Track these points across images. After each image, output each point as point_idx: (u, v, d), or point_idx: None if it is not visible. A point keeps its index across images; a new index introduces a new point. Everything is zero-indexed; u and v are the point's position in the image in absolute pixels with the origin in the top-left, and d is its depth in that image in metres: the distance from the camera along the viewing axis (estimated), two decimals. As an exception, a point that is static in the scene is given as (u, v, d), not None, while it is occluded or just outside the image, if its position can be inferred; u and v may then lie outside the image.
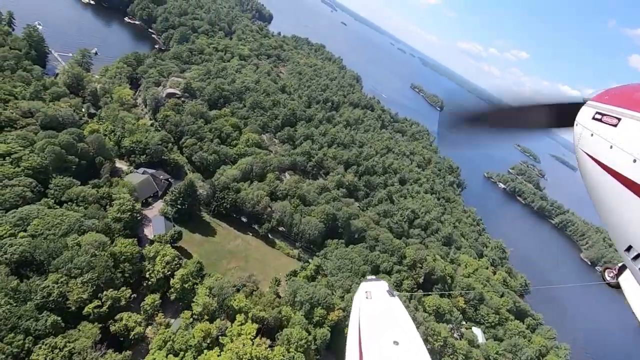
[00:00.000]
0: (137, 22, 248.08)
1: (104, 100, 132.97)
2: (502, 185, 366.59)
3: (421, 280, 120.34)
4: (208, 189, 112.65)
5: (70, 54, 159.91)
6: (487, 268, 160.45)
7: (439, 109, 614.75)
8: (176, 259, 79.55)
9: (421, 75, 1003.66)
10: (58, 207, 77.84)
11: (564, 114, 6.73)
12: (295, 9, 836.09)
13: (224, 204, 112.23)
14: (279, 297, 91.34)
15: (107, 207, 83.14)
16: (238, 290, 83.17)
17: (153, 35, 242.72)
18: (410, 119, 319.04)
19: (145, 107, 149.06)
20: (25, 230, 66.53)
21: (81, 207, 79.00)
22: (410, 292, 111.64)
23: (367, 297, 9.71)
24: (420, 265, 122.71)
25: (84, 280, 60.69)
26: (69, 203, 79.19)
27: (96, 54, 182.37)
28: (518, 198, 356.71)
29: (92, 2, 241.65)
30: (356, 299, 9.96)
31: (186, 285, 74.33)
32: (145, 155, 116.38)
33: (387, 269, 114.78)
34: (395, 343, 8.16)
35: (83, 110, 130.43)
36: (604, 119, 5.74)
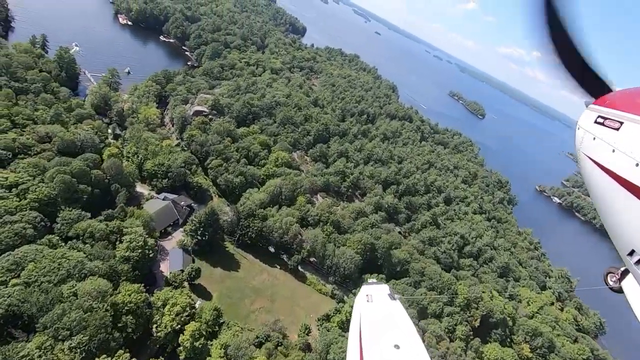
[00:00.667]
0: (171, 40, 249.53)
1: (130, 121, 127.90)
2: (557, 200, 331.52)
3: (477, 324, 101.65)
4: (232, 216, 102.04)
5: (103, 74, 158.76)
6: (552, 304, 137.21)
7: (480, 116, 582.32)
8: (188, 308, 68.33)
9: (459, 82, 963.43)
10: (63, 244, 69.74)
11: (591, 83, 6.29)
12: (328, 21, 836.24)
13: (249, 233, 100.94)
14: (309, 350, 77.49)
15: (117, 243, 74.10)
16: (261, 344, 70.36)
17: (186, 53, 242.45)
18: (451, 130, 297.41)
19: (172, 126, 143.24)
20: (18, 276, 58.21)
21: (87, 245, 70.38)
22: (466, 341, 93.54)
23: (368, 301, 9.53)
24: (476, 306, 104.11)
25: (72, 345, 50.74)
26: (75, 240, 70.93)
27: (129, 73, 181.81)
28: (576, 214, 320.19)
29: (129, 22, 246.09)
30: (357, 302, 9.75)
31: (197, 344, 62.67)
32: (167, 179, 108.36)
33: (436, 312, 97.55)
34: (396, 347, 7.99)
35: (109, 131, 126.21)
36: (606, 122, 5.68)
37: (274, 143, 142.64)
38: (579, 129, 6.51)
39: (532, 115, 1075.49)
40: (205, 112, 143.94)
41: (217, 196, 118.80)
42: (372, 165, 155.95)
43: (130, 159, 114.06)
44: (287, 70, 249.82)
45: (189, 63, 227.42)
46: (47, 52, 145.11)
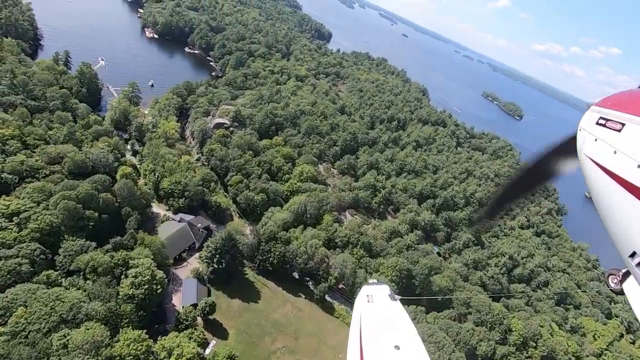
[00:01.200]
0: (196, 52, 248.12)
1: (149, 136, 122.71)
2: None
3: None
4: (252, 239, 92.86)
5: (124, 88, 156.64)
6: (622, 336, 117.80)
7: (517, 118, 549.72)
8: (197, 357, 59.05)
9: (493, 82, 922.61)
10: (63, 279, 62.77)
11: (570, 150, 6.68)
12: (354, 25, 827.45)
13: (271, 259, 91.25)
14: (339, 404, 66.25)
15: (123, 277, 66.41)
16: (281, 401, 59.96)
17: (211, 63, 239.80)
18: (488, 133, 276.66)
19: (193, 140, 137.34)
20: (5, 324, 51.21)
21: (89, 281, 63.07)
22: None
23: (368, 301, 9.55)
24: (534, 344, 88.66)
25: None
26: (77, 275, 63.89)
27: (152, 86, 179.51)
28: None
29: (155, 36, 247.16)
30: (357, 303, 9.73)
31: (205, 406, 53.43)
32: (184, 199, 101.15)
33: (487, 354, 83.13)
34: (397, 347, 7.99)
35: (128, 147, 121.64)
36: (608, 124, 5.71)
37: (298, 155, 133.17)
38: (580, 130, 6.47)
39: (574, 114, 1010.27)
40: (226, 124, 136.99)
41: (237, 215, 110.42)
42: (405, 177, 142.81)
43: (147, 177, 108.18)
44: (312, 77, 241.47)
45: (213, 73, 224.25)
46: (70, 68, 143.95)
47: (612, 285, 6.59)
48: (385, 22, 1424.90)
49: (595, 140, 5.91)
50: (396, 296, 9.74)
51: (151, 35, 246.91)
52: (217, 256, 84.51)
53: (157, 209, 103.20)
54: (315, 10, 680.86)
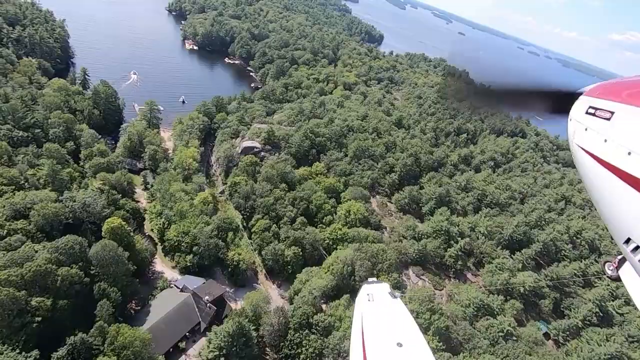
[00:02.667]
0: (236, 62, 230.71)
1: (163, 166, 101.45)
2: None
3: None
4: (275, 325, 65.30)
5: (146, 102, 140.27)
6: None
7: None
8: None
9: (566, 79, 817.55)
10: None
11: (562, 102, 6.74)
12: (407, 26, 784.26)
13: (301, 356, 62.84)
14: None
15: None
16: None
17: (251, 74, 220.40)
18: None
19: (218, 167, 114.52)
20: None
21: None
22: None
23: (369, 300, 9.63)
24: None
25: None
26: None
27: (184, 102, 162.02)
28: None
29: (195, 47, 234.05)
30: (358, 301, 9.85)
31: None
32: (192, 255, 76.80)
33: None
34: (399, 345, 8.09)
35: (141, 180, 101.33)
36: (597, 113, 5.80)
37: (344, 187, 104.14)
38: (571, 120, 6.49)
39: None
40: (256, 148, 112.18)
41: (263, 274, 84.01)
42: (487, 215, 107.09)
43: (152, 221, 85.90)
44: (362, 83, 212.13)
45: (252, 85, 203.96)
46: (87, 88, 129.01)
47: (609, 272, 6.63)
48: (440, 21, 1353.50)
49: (586, 129, 5.88)
50: (397, 294, 9.56)
51: (191, 46, 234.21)
52: (224, 352, 58.06)
53: (162, 265, 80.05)
54: (365, 13, 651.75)
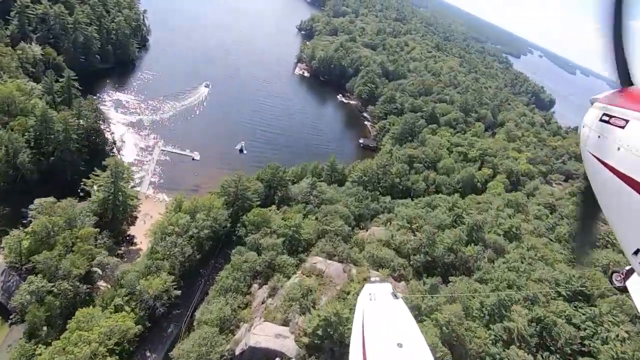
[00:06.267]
0: (352, 102, 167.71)
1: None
2: None
3: None
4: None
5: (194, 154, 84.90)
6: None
7: None
8: None
9: None
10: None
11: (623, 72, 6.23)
12: (580, 94, 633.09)
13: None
14: None
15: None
16: None
17: (365, 123, 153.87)
18: None
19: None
20: None
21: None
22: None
23: (371, 299, 9.61)
24: None
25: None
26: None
27: (242, 151, 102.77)
28: None
29: (306, 74, 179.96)
30: (360, 301, 9.80)
31: None
32: None
33: None
34: (399, 345, 8.02)
35: None
36: (612, 120, 5.72)
37: None
38: (584, 126, 6.48)
39: None
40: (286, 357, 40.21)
41: None
42: None
43: None
44: (539, 176, 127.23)
45: (361, 142, 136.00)
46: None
47: (616, 282, 6.60)
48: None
49: (599, 136, 5.84)
50: (398, 294, 9.48)
51: (301, 72, 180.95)
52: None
53: None
54: (527, 69, 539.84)
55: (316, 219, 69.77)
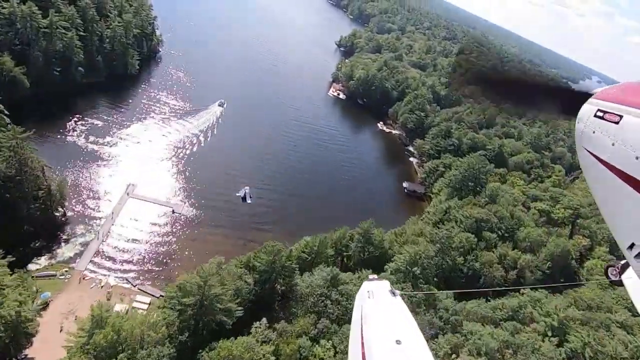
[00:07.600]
0: (394, 132, 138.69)
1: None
2: None
3: None
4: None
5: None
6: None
7: None
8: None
9: None
10: None
11: (574, 103, 6.38)
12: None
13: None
14: None
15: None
16: None
17: (410, 159, 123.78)
18: None
19: None
20: None
21: None
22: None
23: (369, 297, 8.99)
24: None
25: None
26: None
27: (244, 199, 76.67)
28: None
29: (341, 96, 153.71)
30: (358, 298, 9.03)
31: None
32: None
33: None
34: (398, 342, 7.59)
35: None
36: (606, 116, 5.62)
37: None
38: (578, 122, 6.28)
39: None
40: None
41: None
42: None
43: None
44: None
45: (405, 186, 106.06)
46: None
47: (611, 277, 6.81)
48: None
49: (594, 132, 5.88)
50: (397, 292, 8.89)
51: (336, 93, 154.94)
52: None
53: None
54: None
55: (333, 347, 41.47)
